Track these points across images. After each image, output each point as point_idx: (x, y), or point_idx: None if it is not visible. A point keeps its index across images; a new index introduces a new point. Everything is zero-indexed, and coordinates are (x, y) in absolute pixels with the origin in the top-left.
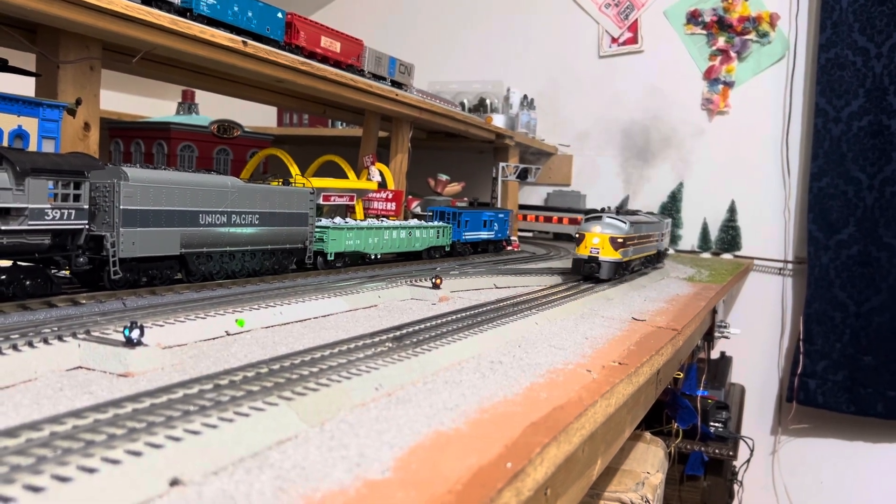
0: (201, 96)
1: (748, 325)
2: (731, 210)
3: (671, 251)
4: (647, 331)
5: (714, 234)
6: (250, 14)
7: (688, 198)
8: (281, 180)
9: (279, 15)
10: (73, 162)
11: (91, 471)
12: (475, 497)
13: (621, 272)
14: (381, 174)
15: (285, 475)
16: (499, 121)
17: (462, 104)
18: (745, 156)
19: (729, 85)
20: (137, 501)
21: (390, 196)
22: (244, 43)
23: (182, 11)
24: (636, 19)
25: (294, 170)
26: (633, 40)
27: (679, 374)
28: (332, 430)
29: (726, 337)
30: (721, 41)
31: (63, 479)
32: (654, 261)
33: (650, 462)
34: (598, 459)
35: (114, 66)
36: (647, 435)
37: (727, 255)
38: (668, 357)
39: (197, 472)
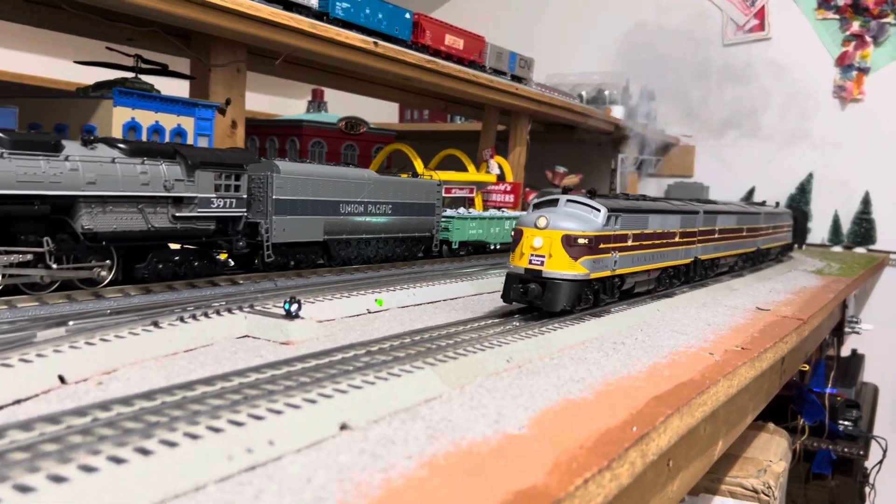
0: (329, 94)
1: (883, 323)
2: (866, 202)
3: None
4: (771, 320)
5: (846, 226)
6: (380, 16)
7: (817, 189)
8: (409, 173)
9: (407, 16)
10: (234, 156)
11: (278, 412)
12: (604, 453)
13: (603, 296)
14: (500, 167)
15: (435, 426)
16: (618, 112)
17: (580, 96)
18: (881, 145)
19: (864, 71)
20: (316, 439)
21: (508, 188)
22: (375, 44)
23: (319, 15)
24: (763, 6)
25: (418, 164)
26: (760, 27)
27: (805, 367)
28: (471, 393)
29: (857, 333)
30: (855, 26)
31: (258, 418)
32: (756, 260)
33: (773, 451)
34: (720, 440)
35: (255, 68)
36: (771, 426)
37: (860, 249)
38: (792, 346)
39: (361, 420)
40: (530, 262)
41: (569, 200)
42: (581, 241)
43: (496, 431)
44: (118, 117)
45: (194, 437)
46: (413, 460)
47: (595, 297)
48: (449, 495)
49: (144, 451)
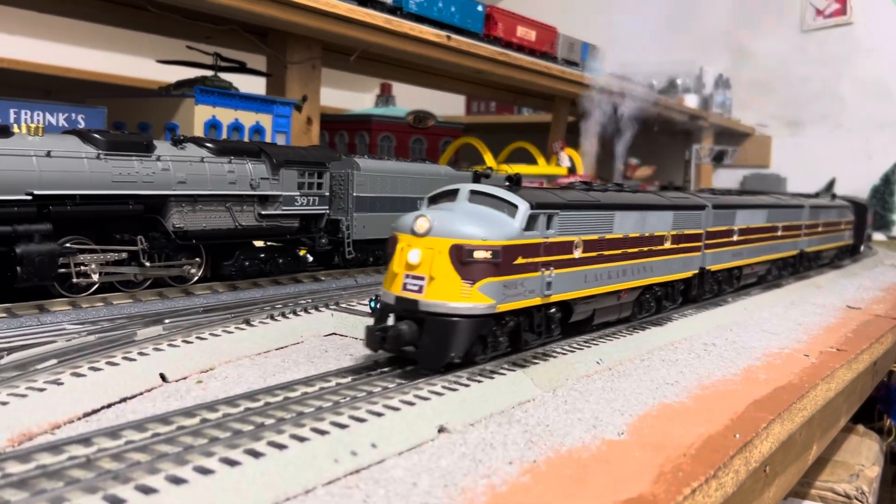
0: (396, 88)
1: None
2: None
3: (878, 238)
4: (863, 319)
5: None
6: (453, 9)
7: None
8: (483, 167)
9: (479, 8)
10: (316, 154)
11: (378, 414)
12: (708, 461)
13: (528, 336)
14: (571, 159)
15: (532, 430)
16: (691, 101)
17: (651, 85)
18: None
19: None
20: (416, 442)
21: (579, 181)
22: (448, 37)
23: (393, 10)
24: None
25: (488, 157)
26: (842, 11)
27: (895, 367)
28: (564, 396)
29: None
30: None
31: (359, 420)
32: (798, 266)
33: (864, 455)
34: (814, 445)
35: (328, 64)
36: (861, 428)
37: None
38: (887, 346)
39: (458, 423)
40: (404, 288)
41: (474, 192)
42: (481, 254)
43: (595, 437)
44: (200, 115)
45: (301, 439)
46: (514, 466)
47: (513, 339)
48: (554, 503)
49: (255, 454)
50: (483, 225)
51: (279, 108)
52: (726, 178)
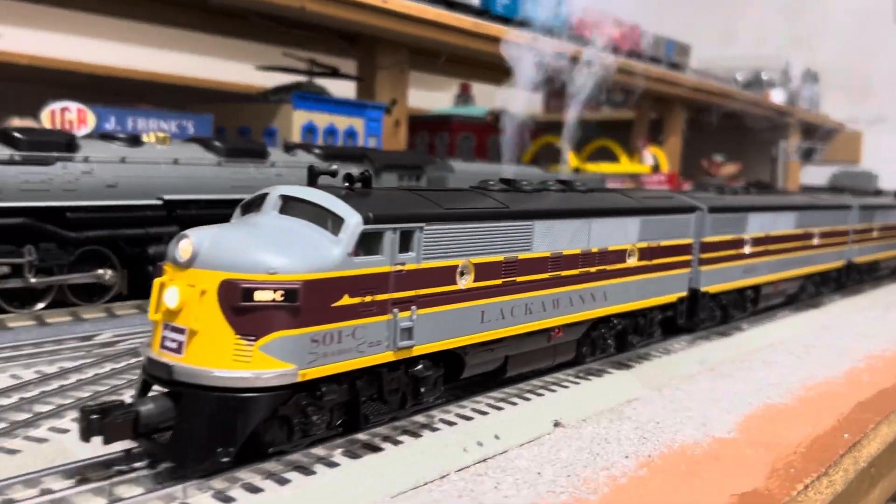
0: (474, 87)
1: None
2: None
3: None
4: None
5: None
6: (539, 10)
7: None
8: (568, 165)
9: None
10: (414, 158)
11: (498, 408)
12: (818, 459)
13: (370, 412)
14: (655, 157)
15: (643, 426)
16: (778, 96)
17: (735, 80)
18: None
19: None
20: (535, 435)
21: (664, 179)
22: (535, 38)
23: (480, 12)
24: None
25: (570, 156)
26: None
27: None
28: (670, 395)
29: None
30: None
31: (482, 413)
32: (843, 278)
33: None
34: None
35: (414, 67)
36: None
37: None
38: None
39: (572, 418)
40: (161, 345)
41: (287, 199)
42: (266, 295)
43: (705, 434)
44: (297, 120)
45: (433, 429)
46: (631, 460)
47: (350, 412)
48: (673, 495)
49: (395, 441)
50: (278, 249)
51: (371, 112)
52: (815, 175)
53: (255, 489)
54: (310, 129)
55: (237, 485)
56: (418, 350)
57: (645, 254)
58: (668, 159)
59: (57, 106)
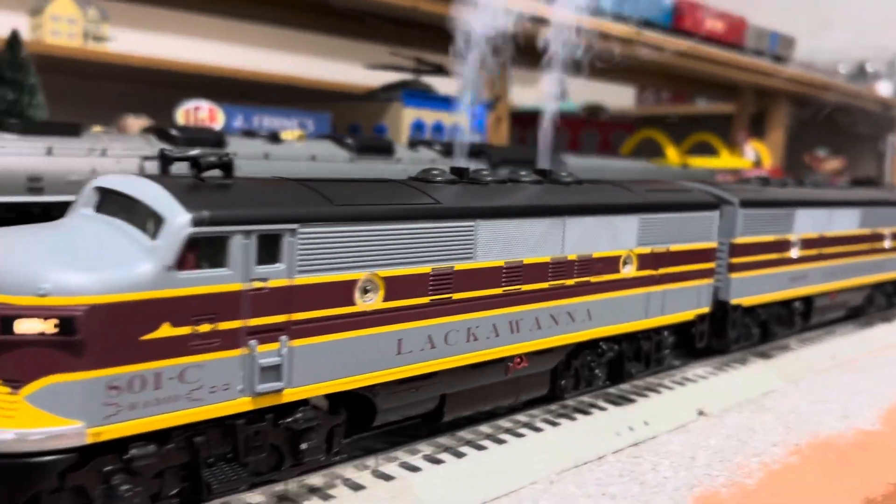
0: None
1: None
2: None
3: None
4: None
5: None
6: (642, 3)
7: None
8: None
9: (667, 1)
10: (528, 153)
11: (644, 396)
12: None
13: (205, 482)
14: (756, 152)
15: (784, 417)
16: (885, 89)
17: (837, 72)
18: None
19: None
20: (681, 422)
21: (766, 175)
22: (638, 33)
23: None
24: None
25: (671, 151)
26: None
27: None
28: (807, 388)
29: None
30: None
31: (630, 400)
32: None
33: None
34: None
35: (515, 63)
36: None
37: None
38: None
39: (714, 408)
40: None
41: (105, 192)
42: (32, 326)
43: (848, 426)
44: (406, 118)
45: (586, 413)
46: (780, 448)
47: (169, 484)
48: (826, 482)
49: (553, 423)
50: (60, 262)
51: (477, 109)
52: None
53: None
54: (418, 126)
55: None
56: (294, 394)
57: (647, 261)
58: (770, 154)
59: (190, 105)
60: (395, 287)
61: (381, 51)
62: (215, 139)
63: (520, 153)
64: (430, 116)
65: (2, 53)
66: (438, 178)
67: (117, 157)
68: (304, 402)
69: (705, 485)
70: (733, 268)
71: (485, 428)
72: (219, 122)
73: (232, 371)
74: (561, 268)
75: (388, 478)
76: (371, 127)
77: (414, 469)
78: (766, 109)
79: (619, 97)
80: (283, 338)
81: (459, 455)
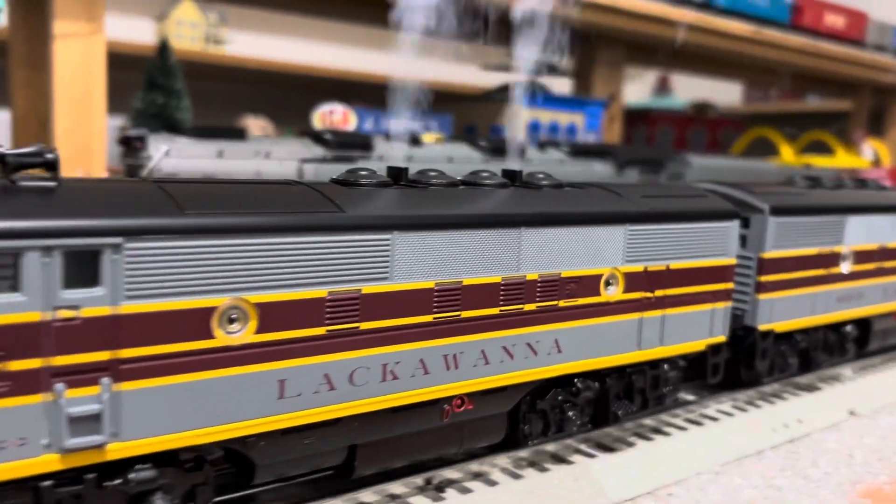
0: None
1: None
2: None
3: None
4: None
5: None
6: (761, 1)
7: None
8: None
9: None
10: (654, 153)
11: (795, 395)
12: None
13: None
14: (875, 151)
15: None
16: None
17: None
18: None
19: None
20: (833, 421)
21: (884, 175)
22: (757, 31)
23: (702, 6)
24: None
25: (785, 149)
26: None
27: None
28: None
29: None
30: None
31: (781, 398)
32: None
33: None
34: None
35: (629, 61)
36: None
37: None
38: None
39: (864, 408)
40: None
41: None
42: None
43: None
44: (523, 118)
45: (743, 410)
46: None
47: None
48: None
49: (712, 419)
50: None
51: (591, 108)
52: None
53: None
54: (534, 127)
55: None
56: (123, 450)
57: (637, 282)
58: (890, 153)
59: (326, 108)
60: (272, 316)
61: (492, 51)
62: (364, 142)
63: (647, 153)
64: (545, 116)
65: (153, 60)
66: (364, 181)
67: (279, 159)
68: (148, 458)
69: (867, 481)
70: (762, 287)
71: (649, 421)
72: (351, 125)
73: (29, 422)
74: (517, 290)
75: (568, 462)
76: (487, 127)
77: (590, 456)
78: (885, 107)
79: (725, 93)
80: (106, 380)
81: (630, 444)
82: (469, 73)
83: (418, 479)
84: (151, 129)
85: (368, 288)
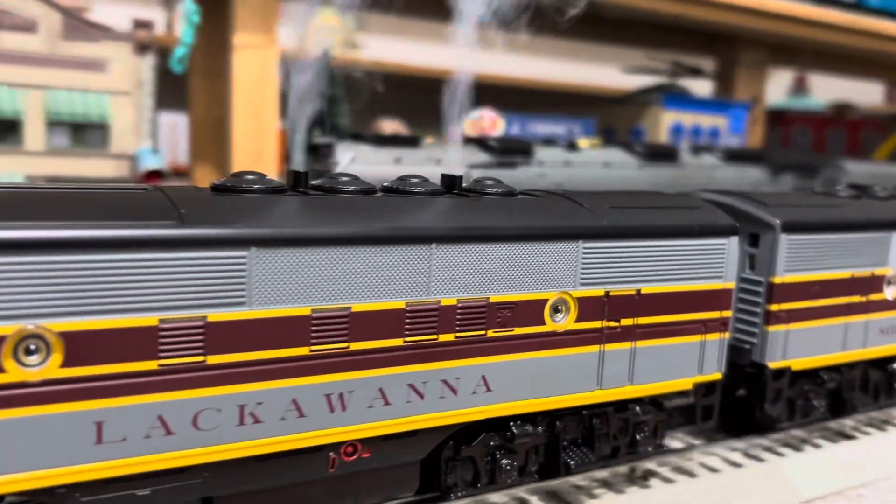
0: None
1: None
2: None
3: None
4: None
5: None
6: None
7: None
8: None
9: None
10: (808, 159)
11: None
12: None
13: None
14: None
15: None
16: None
17: None
18: None
19: None
20: None
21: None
22: None
23: (852, 7)
24: None
25: None
26: None
27: None
28: None
29: None
30: None
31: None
32: None
33: None
34: None
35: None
36: None
37: None
38: None
39: None
40: None
41: None
42: None
43: None
44: (665, 121)
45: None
46: None
47: None
48: None
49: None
50: None
51: (734, 111)
52: None
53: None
54: (677, 130)
55: None
56: None
57: (594, 309)
58: None
59: (475, 114)
60: (84, 347)
61: (629, 54)
62: (525, 148)
63: (802, 159)
64: (688, 119)
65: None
66: (254, 187)
67: (449, 165)
68: None
69: None
70: (772, 318)
71: (833, 424)
72: (498, 130)
73: None
74: (427, 317)
75: (759, 459)
76: (627, 130)
77: (779, 454)
78: None
79: (865, 93)
80: None
81: (817, 446)
82: (606, 75)
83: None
84: (321, 134)
85: (217, 315)
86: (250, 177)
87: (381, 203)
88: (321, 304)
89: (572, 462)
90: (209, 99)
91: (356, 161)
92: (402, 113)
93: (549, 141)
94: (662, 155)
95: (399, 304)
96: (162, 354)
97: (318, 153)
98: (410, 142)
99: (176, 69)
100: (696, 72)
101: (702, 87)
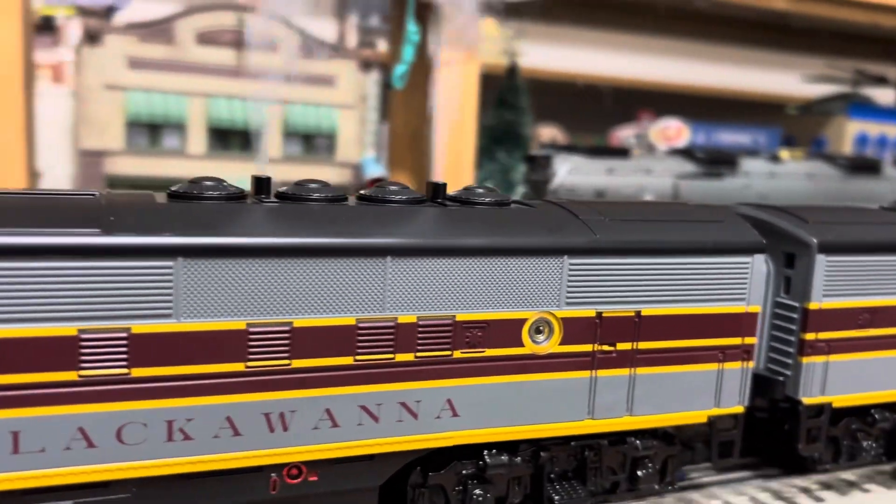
0: None
1: None
2: None
3: None
4: None
5: None
6: None
7: None
8: None
9: None
10: None
11: None
12: None
13: None
14: None
15: None
16: None
17: None
18: None
19: None
20: None
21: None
22: None
23: None
24: None
25: None
26: None
27: None
28: None
29: None
30: None
31: None
32: None
33: None
34: None
35: None
36: None
37: None
38: None
39: None
40: None
41: None
42: None
43: None
44: (850, 130)
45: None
46: None
47: None
48: None
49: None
50: None
51: None
52: None
53: None
54: (862, 140)
55: None
56: None
57: (583, 330)
58: None
59: (661, 124)
60: (0, 355)
61: (808, 62)
62: (730, 159)
63: None
64: (874, 129)
65: (505, 80)
66: (209, 193)
67: (659, 175)
68: None
69: None
70: (808, 348)
71: (888, 468)
72: (684, 140)
73: None
74: (382, 335)
75: (791, 502)
76: (808, 140)
77: (817, 499)
78: None
79: None
80: None
81: (866, 491)
82: (784, 83)
83: None
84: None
85: (141, 327)
86: (209, 183)
87: (337, 212)
88: (258, 318)
89: (556, 497)
90: (407, 111)
91: (573, 172)
92: (563, 119)
93: (753, 152)
94: (865, 167)
95: (349, 320)
96: (83, 365)
97: (534, 164)
98: (621, 153)
99: (397, 85)
100: (881, 80)
101: (884, 97)
